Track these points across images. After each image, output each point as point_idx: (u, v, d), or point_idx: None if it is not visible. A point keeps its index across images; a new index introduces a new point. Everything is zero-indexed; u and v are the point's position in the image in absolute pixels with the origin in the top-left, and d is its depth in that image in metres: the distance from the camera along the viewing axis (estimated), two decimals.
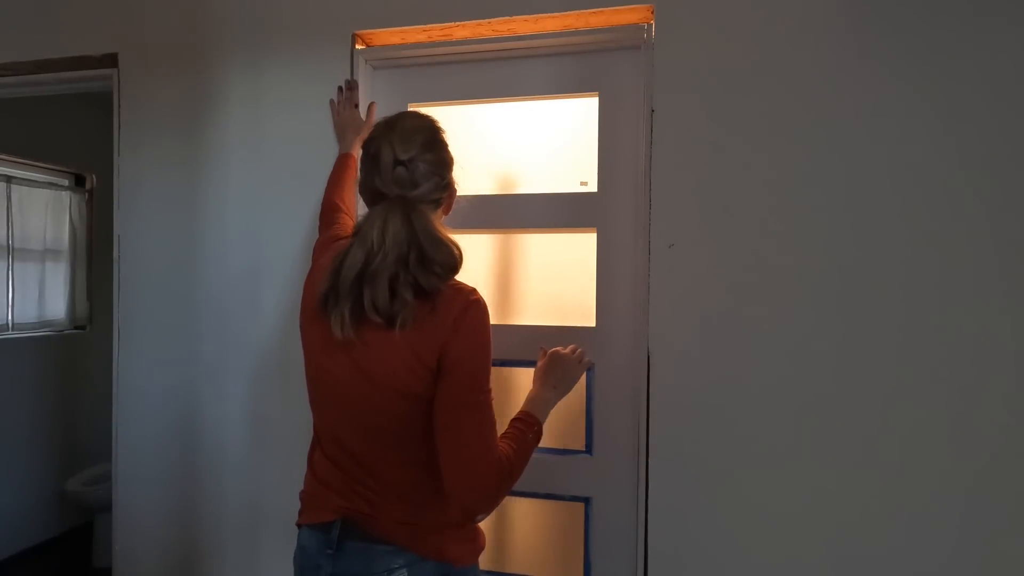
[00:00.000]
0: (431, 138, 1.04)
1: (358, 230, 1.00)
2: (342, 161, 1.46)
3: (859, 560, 1.27)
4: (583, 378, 1.43)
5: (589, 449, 1.47)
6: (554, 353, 1.24)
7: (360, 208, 1.54)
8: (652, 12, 1.38)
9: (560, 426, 1.50)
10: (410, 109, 1.57)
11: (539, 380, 1.20)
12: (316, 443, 1.12)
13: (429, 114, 1.09)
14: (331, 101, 1.55)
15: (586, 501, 1.48)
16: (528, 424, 1.07)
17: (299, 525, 1.09)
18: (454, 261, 0.99)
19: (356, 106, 1.53)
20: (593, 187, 1.48)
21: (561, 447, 1.49)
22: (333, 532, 1.02)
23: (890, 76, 1.25)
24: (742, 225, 1.32)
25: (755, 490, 1.31)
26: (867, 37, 1.26)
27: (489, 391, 0.98)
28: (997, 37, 1.21)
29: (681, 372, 1.34)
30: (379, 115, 1.55)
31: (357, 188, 1.12)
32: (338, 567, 1.00)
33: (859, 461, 1.26)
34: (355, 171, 1.45)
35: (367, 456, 1.02)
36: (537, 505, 1.53)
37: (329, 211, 1.34)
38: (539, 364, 1.24)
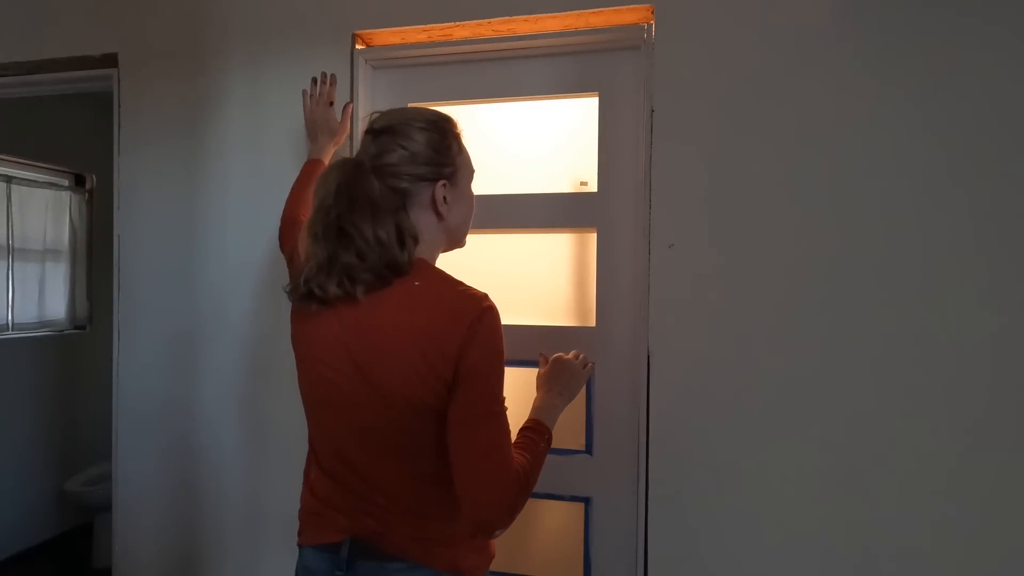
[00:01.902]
0: (416, 118, 0.99)
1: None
2: (310, 168, 1.38)
3: (860, 560, 1.27)
4: None
5: (589, 449, 1.47)
6: (557, 359, 1.20)
7: None
8: (652, 12, 1.38)
9: (560, 426, 1.49)
10: None
11: (544, 387, 1.16)
12: (312, 459, 1.06)
13: (446, 112, 1.05)
14: (303, 92, 1.49)
15: (586, 501, 1.48)
16: (539, 433, 1.04)
17: (300, 545, 1.05)
18: (384, 239, 0.92)
19: (331, 104, 1.47)
20: (593, 187, 1.48)
21: (561, 447, 1.49)
22: (342, 553, 0.97)
23: (892, 76, 1.25)
24: (742, 225, 1.32)
25: (755, 490, 1.31)
26: (869, 37, 1.26)
27: (503, 400, 0.95)
28: (994, 42, 1.21)
29: (681, 372, 1.34)
30: None
31: None
32: None
33: (859, 460, 1.26)
34: None
35: (374, 471, 0.97)
36: (537, 505, 1.53)
37: (291, 225, 1.28)
38: (542, 371, 1.20)
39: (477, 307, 0.91)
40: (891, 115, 1.25)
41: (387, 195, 0.95)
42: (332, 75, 1.49)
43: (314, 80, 1.49)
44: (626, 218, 1.44)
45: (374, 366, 0.92)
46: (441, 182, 0.99)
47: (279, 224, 1.33)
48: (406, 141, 0.97)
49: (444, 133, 1.01)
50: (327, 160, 1.43)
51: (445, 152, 1.00)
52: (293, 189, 1.37)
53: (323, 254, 0.94)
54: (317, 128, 1.45)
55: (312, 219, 0.96)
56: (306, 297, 0.96)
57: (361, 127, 1.52)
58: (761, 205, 1.31)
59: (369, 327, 0.93)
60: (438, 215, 1.00)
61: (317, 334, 0.98)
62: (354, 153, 1.51)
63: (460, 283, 0.96)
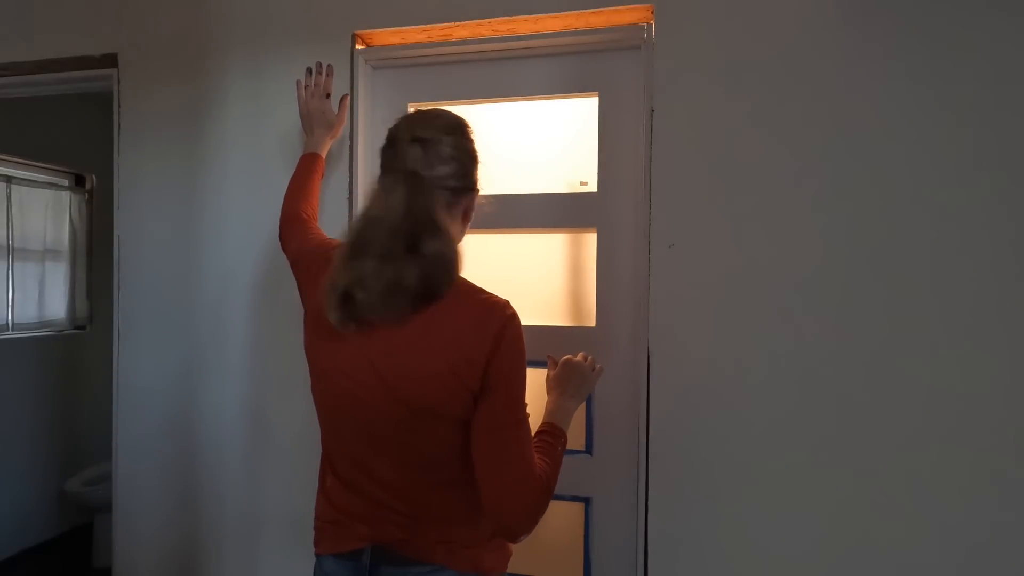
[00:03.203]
0: (453, 126, 0.99)
1: (364, 208, 0.95)
2: (307, 162, 1.36)
3: (860, 560, 1.27)
4: None
5: (589, 449, 1.47)
6: (567, 362, 1.19)
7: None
8: (652, 12, 1.38)
9: None
10: (410, 109, 1.57)
11: (556, 390, 1.15)
12: (328, 466, 1.05)
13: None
14: (297, 83, 1.47)
15: (586, 501, 1.48)
16: (555, 436, 1.04)
17: (319, 554, 1.04)
18: (449, 256, 0.92)
19: (328, 96, 1.45)
20: (593, 187, 1.48)
21: None
22: (364, 559, 0.97)
23: (893, 75, 1.25)
24: (742, 225, 1.32)
25: (756, 490, 1.31)
26: (870, 36, 1.26)
27: (526, 407, 0.95)
28: (1006, 29, 1.21)
29: (681, 372, 1.34)
30: (377, 116, 1.55)
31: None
32: None
33: (859, 460, 1.26)
34: (321, 174, 1.38)
35: (397, 480, 0.96)
36: None
37: (292, 222, 1.25)
38: (551, 373, 1.19)
39: (502, 316, 0.92)
40: (897, 113, 1.25)
41: (446, 209, 0.95)
42: (328, 66, 1.47)
43: (308, 70, 1.47)
44: (626, 218, 1.44)
45: (398, 377, 0.91)
46: (476, 191, 1.02)
47: (279, 223, 1.30)
48: (455, 151, 0.97)
49: (469, 139, 1.02)
50: (324, 154, 1.41)
51: (472, 156, 1.02)
52: (291, 185, 1.34)
53: (390, 274, 0.88)
54: (313, 120, 1.42)
55: (368, 236, 0.91)
56: (359, 322, 0.92)
57: (360, 123, 1.52)
58: (762, 205, 1.31)
59: (393, 338, 0.92)
60: (465, 222, 1.03)
61: (337, 345, 0.96)
62: (353, 151, 1.52)
63: (482, 290, 0.95)
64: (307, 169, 1.36)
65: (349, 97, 1.50)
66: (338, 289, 0.91)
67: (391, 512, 0.97)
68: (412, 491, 0.97)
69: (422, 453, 0.95)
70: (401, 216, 0.90)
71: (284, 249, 1.26)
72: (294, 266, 1.18)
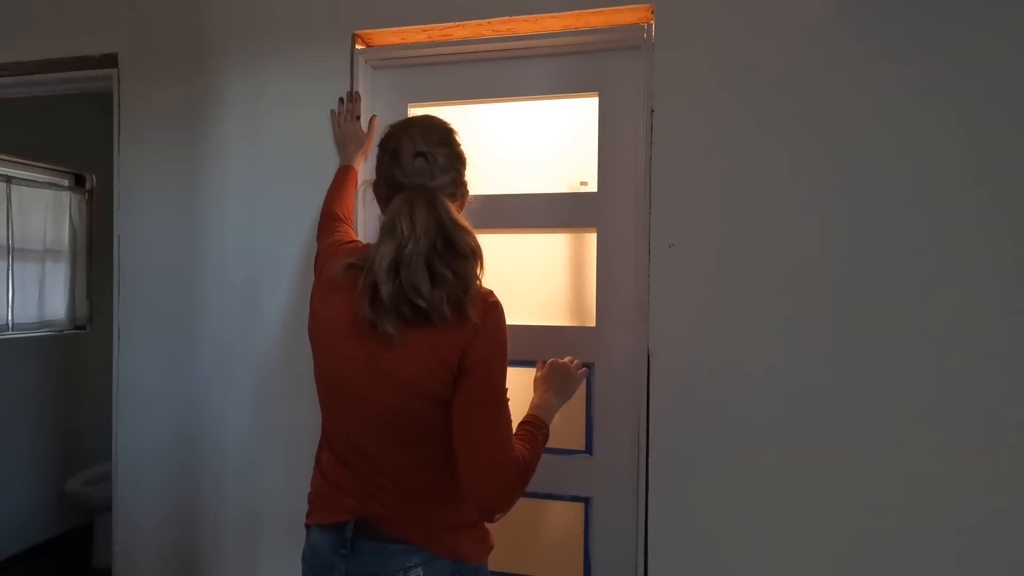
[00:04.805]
0: (447, 135, 1.06)
1: (384, 224, 0.99)
2: (343, 172, 1.46)
3: (861, 562, 1.27)
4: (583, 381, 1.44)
5: (589, 449, 1.47)
6: (552, 362, 1.28)
7: (367, 214, 1.55)
8: (652, 12, 1.38)
9: (560, 426, 1.50)
10: (410, 109, 1.57)
11: (541, 387, 1.23)
12: (324, 443, 1.11)
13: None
14: (332, 112, 1.56)
15: (586, 501, 1.47)
16: (537, 427, 1.09)
17: (308, 525, 1.09)
18: (476, 246, 1.00)
19: (358, 119, 1.53)
20: (593, 187, 1.48)
21: (561, 447, 1.49)
22: (346, 532, 1.02)
23: (893, 74, 1.25)
24: (742, 225, 1.32)
25: (755, 490, 1.31)
26: (871, 35, 1.26)
27: (506, 391, 1.00)
28: (1005, 28, 1.21)
29: (681, 372, 1.34)
30: (380, 116, 1.56)
31: (372, 188, 1.10)
32: (352, 567, 1.01)
33: (859, 461, 1.26)
34: (355, 183, 1.46)
35: (382, 457, 1.02)
36: (537, 505, 1.53)
37: (329, 220, 1.34)
38: (538, 374, 1.27)
39: (483, 302, 0.99)
40: (896, 112, 1.25)
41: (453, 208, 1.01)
42: (356, 93, 1.54)
43: (340, 100, 1.55)
44: (626, 218, 1.44)
45: (387, 356, 0.97)
46: (467, 187, 1.10)
47: (319, 217, 1.38)
48: (449, 160, 1.04)
49: (458, 145, 1.08)
50: (358, 166, 1.49)
51: (463, 161, 1.08)
52: (330, 189, 1.44)
53: (425, 286, 0.94)
54: (347, 140, 1.52)
55: (400, 248, 0.96)
56: (373, 327, 0.97)
57: (361, 123, 1.53)
58: (761, 204, 1.31)
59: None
60: (459, 211, 1.08)
61: (335, 327, 1.02)
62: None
63: None
64: (343, 177, 1.45)
65: (377, 118, 1.56)
66: (387, 302, 0.95)
67: (376, 488, 1.02)
68: (396, 468, 1.02)
69: (407, 431, 1.00)
70: (434, 229, 0.97)
71: (318, 239, 1.34)
72: (324, 257, 1.25)
